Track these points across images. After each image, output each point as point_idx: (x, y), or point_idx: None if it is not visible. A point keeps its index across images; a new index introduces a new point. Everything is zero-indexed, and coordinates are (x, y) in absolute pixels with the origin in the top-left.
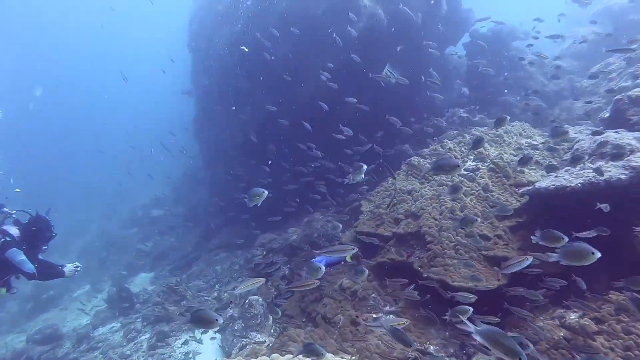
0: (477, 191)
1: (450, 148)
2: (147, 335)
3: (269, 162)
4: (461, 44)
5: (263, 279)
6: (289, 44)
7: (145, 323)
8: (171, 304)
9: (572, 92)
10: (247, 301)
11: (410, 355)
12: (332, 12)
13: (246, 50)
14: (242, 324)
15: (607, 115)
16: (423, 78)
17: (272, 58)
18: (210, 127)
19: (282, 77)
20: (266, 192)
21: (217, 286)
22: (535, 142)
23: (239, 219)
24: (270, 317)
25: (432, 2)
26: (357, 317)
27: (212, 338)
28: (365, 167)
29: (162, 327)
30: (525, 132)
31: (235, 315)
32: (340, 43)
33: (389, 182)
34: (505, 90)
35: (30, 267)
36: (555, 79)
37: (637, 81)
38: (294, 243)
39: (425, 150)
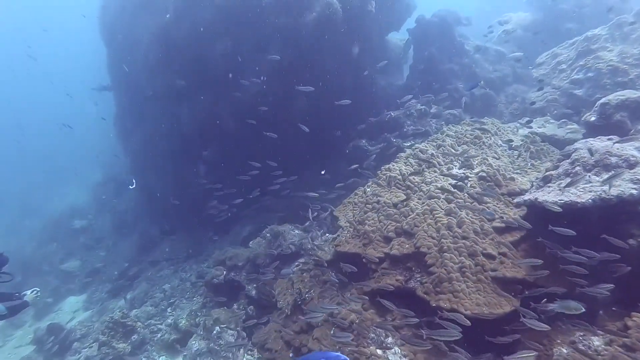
0: (470, 203)
1: (432, 154)
2: None
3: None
4: (405, 29)
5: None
6: (228, 38)
7: None
8: (119, 341)
9: (515, 78)
10: (214, 332)
11: None
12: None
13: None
14: None
15: (592, 119)
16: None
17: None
18: (138, 126)
19: (221, 74)
20: None
21: (169, 310)
22: (512, 142)
23: (182, 225)
24: (242, 350)
25: None
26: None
27: None
28: None
29: None
30: (499, 130)
31: (202, 348)
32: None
33: (366, 191)
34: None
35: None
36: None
37: (589, 74)
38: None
39: (401, 154)
